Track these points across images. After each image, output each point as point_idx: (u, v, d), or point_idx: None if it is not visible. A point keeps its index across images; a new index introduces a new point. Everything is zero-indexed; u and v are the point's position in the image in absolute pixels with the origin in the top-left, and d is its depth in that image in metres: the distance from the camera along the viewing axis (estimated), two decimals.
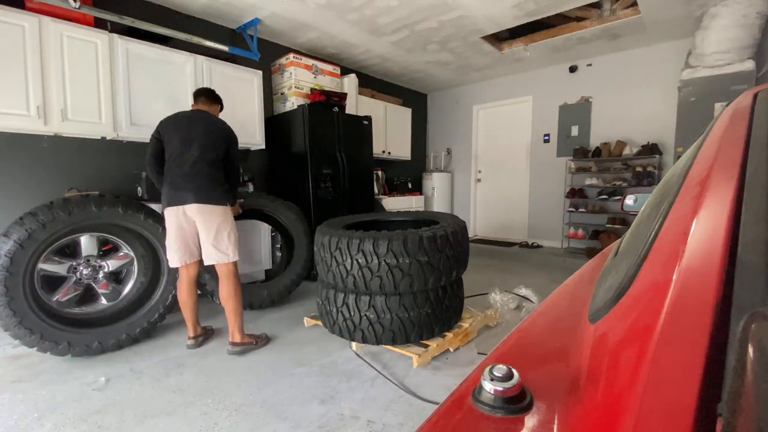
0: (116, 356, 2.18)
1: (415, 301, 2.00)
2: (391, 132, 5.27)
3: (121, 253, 2.43)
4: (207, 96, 2.36)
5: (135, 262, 2.46)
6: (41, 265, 2.11)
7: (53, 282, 2.23)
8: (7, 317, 1.92)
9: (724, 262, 0.37)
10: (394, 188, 5.68)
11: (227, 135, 2.25)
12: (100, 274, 2.34)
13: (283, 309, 2.98)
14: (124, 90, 2.81)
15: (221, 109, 2.46)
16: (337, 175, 3.87)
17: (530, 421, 0.38)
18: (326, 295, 2.18)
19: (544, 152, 5.32)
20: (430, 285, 1.99)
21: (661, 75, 4.35)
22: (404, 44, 4.31)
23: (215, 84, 3.29)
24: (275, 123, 3.94)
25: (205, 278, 2.66)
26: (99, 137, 2.83)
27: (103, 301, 2.37)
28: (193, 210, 2.07)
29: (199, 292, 2.38)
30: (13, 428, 1.55)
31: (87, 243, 2.29)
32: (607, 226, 4.54)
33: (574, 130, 5.03)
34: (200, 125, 2.18)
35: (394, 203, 5.03)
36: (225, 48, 3.54)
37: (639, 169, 4.34)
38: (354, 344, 2.16)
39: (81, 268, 2.27)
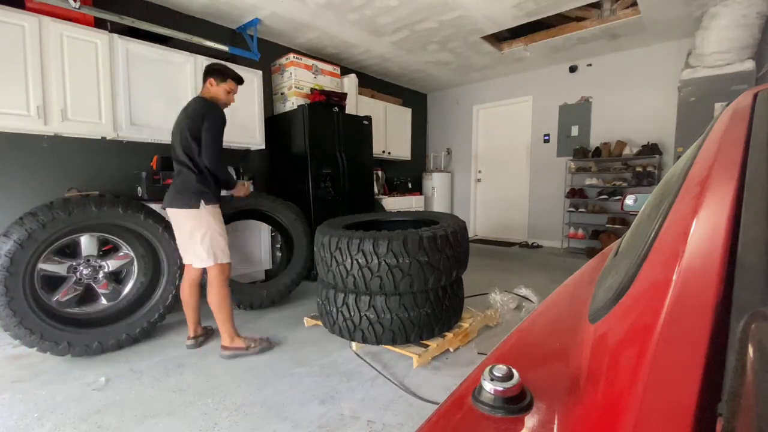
0: (116, 356, 2.18)
1: (415, 301, 2.00)
2: (391, 132, 5.27)
3: (121, 253, 2.43)
4: (204, 76, 2.18)
5: (135, 262, 2.46)
6: (41, 265, 2.11)
7: (53, 282, 2.23)
8: (7, 317, 1.92)
9: (724, 262, 0.37)
10: (394, 188, 5.68)
11: (198, 114, 2.03)
12: (100, 274, 2.34)
13: (283, 309, 2.98)
14: (124, 90, 2.81)
15: (219, 81, 2.16)
16: (337, 175, 3.87)
17: (530, 421, 0.38)
18: (326, 295, 2.18)
19: (544, 152, 5.32)
20: (430, 285, 1.99)
21: (661, 75, 4.35)
22: (404, 44, 4.31)
23: None
24: (275, 123, 3.94)
25: (205, 278, 2.65)
26: (99, 137, 2.83)
27: (103, 301, 2.37)
28: (169, 214, 2.11)
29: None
30: (13, 428, 1.55)
31: (87, 243, 2.29)
32: (607, 226, 4.54)
33: (574, 130, 5.03)
34: (179, 121, 2.12)
35: (394, 203, 5.03)
36: (225, 48, 3.54)
37: (639, 169, 4.34)
38: (354, 344, 2.16)
39: (81, 268, 2.27)
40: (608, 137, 4.72)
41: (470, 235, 6.23)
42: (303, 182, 3.67)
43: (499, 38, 4.45)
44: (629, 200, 1.59)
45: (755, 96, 0.72)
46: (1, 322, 1.94)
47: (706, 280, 0.36)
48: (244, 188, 2.32)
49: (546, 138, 5.30)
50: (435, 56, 4.74)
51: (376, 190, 4.89)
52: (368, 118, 4.23)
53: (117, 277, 2.47)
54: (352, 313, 2.03)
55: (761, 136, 0.57)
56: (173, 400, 1.74)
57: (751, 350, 0.24)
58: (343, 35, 4.06)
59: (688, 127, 3.63)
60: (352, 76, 4.47)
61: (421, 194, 5.75)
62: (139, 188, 3.01)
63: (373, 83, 5.36)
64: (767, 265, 0.34)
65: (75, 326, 2.14)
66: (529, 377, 0.43)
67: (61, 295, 2.20)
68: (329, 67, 4.23)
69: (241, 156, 3.88)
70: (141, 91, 2.90)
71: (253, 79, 3.59)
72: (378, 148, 4.94)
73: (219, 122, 2.08)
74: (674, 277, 0.39)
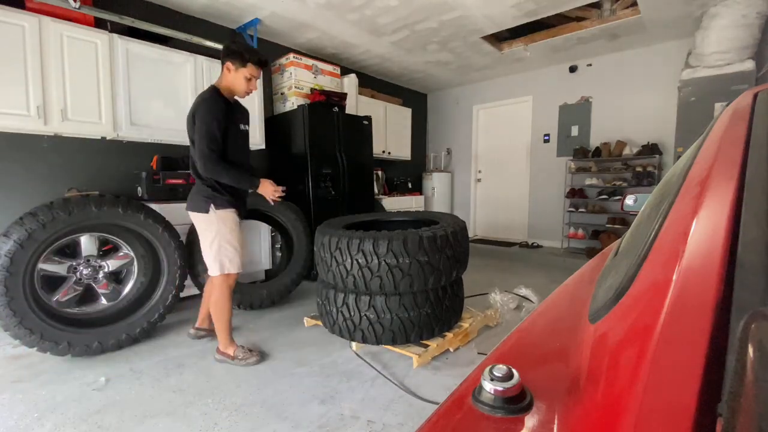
0: (116, 356, 2.18)
1: (415, 301, 2.00)
2: (391, 132, 5.27)
3: (121, 253, 2.43)
4: (222, 60, 1.94)
5: (135, 262, 2.46)
6: (41, 265, 2.11)
7: (53, 282, 2.23)
8: (7, 317, 1.92)
9: (724, 262, 0.37)
10: (394, 188, 5.68)
11: (192, 110, 1.88)
12: (100, 274, 2.34)
13: (283, 309, 2.98)
14: (124, 90, 2.81)
15: (238, 65, 1.91)
16: (337, 175, 3.87)
17: (530, 421, 0.38)
18: (326, 295, 2.18)
19: (544, 152, 5.32)
20: (431, 285, 1.99)
21: (661, 75, 4.35)
22: (404, 44, 4.31)
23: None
24: (275, 123, 3.94)
25: (205, 278, 2.66)
26: (99, 137, 2.83)
27: (103, 301, 2.37)
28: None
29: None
30: (13, 428, 1.55)
31: (87, 243, 2.29)
32: (607, 226, 4.54)
33: (574, 130, 5.03)
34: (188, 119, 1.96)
35: (394, 203, 5.03)
36: None
37: (639, 169, 4.34)
38: (354, 344, 2.16)
39: (81, 268, 2.27)
40: (608, 137, 4.72)
41: (470, 235, 6.23)
42: (303, 182, 3.67)
43: (499, 38, 4.45)
44: (629, 200, 1.59)
45: (755, 96, 0.72)
46: (1, 322, 1.94)
47: (706, 280, 0.36)
48: (269, 188, 2.01)
49: (546, 138, 5.30)
50: (435, 56, 4.74)
51: (376, 190, 4.89)
52: (368, 118, 4.23)
53: (117, 277, 2.47)
54: (352, 313, 2.03)
55: (761, 136, 0.57)
56: (173, 400, 1.74)
57: (751, 350, 0.24)
58: (343, 35, 4.06)
59: (688, 127, 3.63)
60: (352, 76, 4.47)
61: (421, 194, 5.76)
62: (139, 188, 3.01)
63: (373, 83, 5.37)
64: (767, 265, 0.34)
65: (75, 326, 2.14)
66: (529, 377, 0.43)
67: (61, 295, 2.20)
68: (329, 67, 4.23)
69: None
70: (141, 91, 2.90)
71: None
72: (378, 148, 4.94)
73: (209, 114, 1.81)
74: (674, 277, 0.39)
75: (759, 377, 0.23)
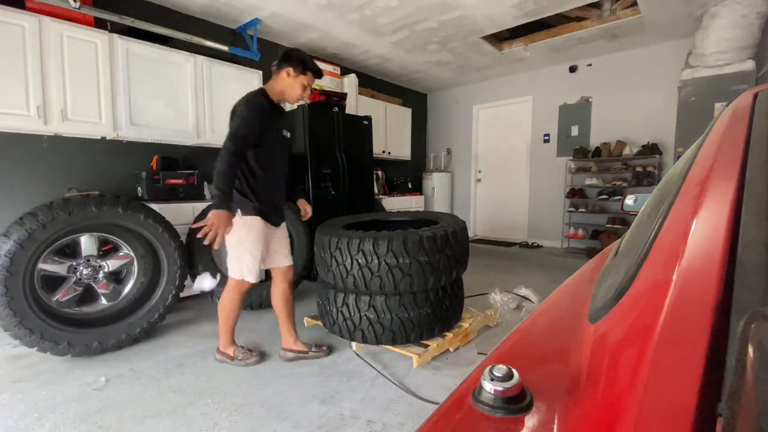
0: (116, 356, 2.18)
1: (415, 300, 2.00)
2: (391, 132, 5.27)
3: (121, 253, 2.43)
4: (279, 63, 1.90)
5: (135, 262, 2.46)
6: (41, 265, 2.11)
7: (53, 282, 2.23)
8: (7, 317, 1.92)
9: (724, 262, 0.37)
10: (394, 188, 5.68)
11: (235, 107, 1.83)
12: (100, 274, 2.34)
13: None
14: (124, 90, 2.81)
15: (298, 72, 1.88)
16: (337, 175, 3.87)
17: (530, 421, 0.38)
18: (326, 295, 2.18)
19: (544, 152, 5.32)
20: (430, 285, 1.99)
21: (661, 75, 4.35)
22: (404, 44, 4.31)
23: (215, 84, 3.30)
24: None
25: (199, 270, 2.67)
26: (99, 137, 2.83)
27: (103, 301, 2.37)
28: None
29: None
30: (13, 428, 1.55)
31: (87, 243, 2.29)
32: (607, 226, 4.54)
33: (574, 130, 5.03)
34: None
35: (394, 203, 5.03)
36: (225, 48, 3.54)
37: (639, 169, 4.34)
38: (354, 344, 2.16)
39: (81, 268, 2.27)
40: (608, 137, 4.72)
41: (470, 235, 6.23)
42: (303, 182, 3.67)
43: (499, 38, 4.45)
44: (629, 200, 1.59)
45: (755, 96, 0.72)
46: (1, 322, 1.94)
47: (706, 280, 0.36)
48: (217, 222, 1.68)
49: (546, 138, 5.30)
50: (435, 56, 4.74)
51: (376, 190, 4.89)
52: (368, 118, 4.23)
53: (117, 277, 2.47)
54: (352, 313, 2.03)
55: (761, 136, 0.57)
56: (173, 400, 1.74)
57: (751, 350, 0.24)
58: (343, 35, 4.06)
59: (688, 127, 3.63)
60: (352, 76, 4.47)
61: (421, 194, 5.76)
62: (139, 188, 3.02)
63: (373, 83, 5.37)
64: (767, 265, 0.34)
65: (75, 326, 2.14)
66: (529, 377, 0.43)
67: (61, 295, 2.20)
68: (329, 67, 4.23)
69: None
70: (141, 91, 2.90)
71: (253, 79, 3.59)
72: (378, 148, 4.94)
73: (247, 109, 1.76)
74: (674, 277, 0.39)
75: (759, 377, 0.23)
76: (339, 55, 4.66)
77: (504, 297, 2.79)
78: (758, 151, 0.54)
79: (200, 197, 3.19)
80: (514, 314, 2.71)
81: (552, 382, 0.45)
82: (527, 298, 2.90)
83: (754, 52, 3.39)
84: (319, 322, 2.40)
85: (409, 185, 5.91)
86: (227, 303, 2.00)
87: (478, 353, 2.17)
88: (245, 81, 3.54)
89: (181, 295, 2.56)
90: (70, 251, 2.31)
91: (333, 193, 3.83)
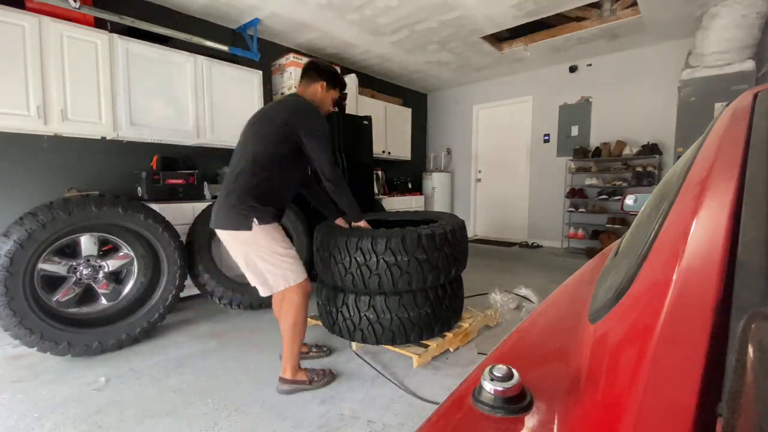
0: (116, 356, 2.18)
1: (415, 300, 2.00)
2: (391, 132, 5.27)
3: (121, 253, 2.43)
4: (305, 73, 1.85)
5: (135, 262, 2.46)
6: (41, 265, 2.11)
7: (53, 282, 2.23)
8: (7, 317, 1.92)
9: (724, 262, 0.37)
10: (394, 188, 5.68)
11: (291, 113, 1.69)
12: (100, 274, 2.34)
13: None
14: (124, 90, 2.81)
15: (329, 87, 1.87)
16: None
17: (530, 421, 0.38)
18: (326, 295, 2.18)
19: (544, 152, 5.32)
20: (429, 283, 1.99)
21: (661, 75, 4.35)
22: (404, 44, 4.31)
23: (215, 84, 3.30)
24: None
25: (205, 278, 2.66)
26: (99, 137, 2.83)
27: (103, 301, 2.37)
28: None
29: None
30: (13, 428, 1.55)
31: (87, 243, 2.29)
32: (607, 226, 4.54)
33: (574, 130, 5.03)
34: (260, 115, 1.78)
35: (394, 203, 5.03)
36: (225, 48, 3.54)
37: (639, 169, 4.34)
38: (354, 344, 2.16)
39: (81, 268, 2.27)
40: (608, 137, 4.72)
41: (470, 235, 6.23)
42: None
43: (499, 38, 4.45)
44: (629, 200, 1.59)
45: (755, 96, 0.72)
46: (1, 322, 1.94)
47: (706, 280, 0.36)
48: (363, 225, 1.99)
49: (546, 138, 5.30)
50: (435, 56, 4.74)
51: (376, 190, 4.89)
52: (368, 118, 4.23)
53: (117, 277, 2.47)
54: (352, 313, 2.03)
55: (761, 136, 0.57)
56: (173, 400, 1.74)
57: (751, 350, 0.24)
58: (343, 35, 4.06)
59: (688, 127, 3.63)
60: (352, 76, 4.47)
61: (421, 194, 5.76)
62: (139, 188, 3.02)
63: (373, 83, 5.37)
64: (767, 265, 0.34)
65: (75, 326, 2.14)
66: (529, 377, 0.43)
67: (61, 295, 2.20)
68: None
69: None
70: (141, 91, 2.90)
71: (253, 79, 3.59)
72: (378, 148, 4.94)
73: (325, 126, 1.76)
74: (674, 277, 0.39)
75: (759, 377, 0.23)
76: (339, 55, 4.66)
77: (504, 297, 2.79)
78: (758, 151, 0.54)
79: (200, 197, 3.19)
80: (514, 314, 2.71)
81: (552, 382, 0.45)
82: (527, 298, 2.90)
83: (754, 52, 3.39)
84: (319, 322, 2.40)
85: (409, 185, 5.91)
86: (296, 315, 1.75)
87: (478, 353, 2.17)
88: (245, 81, 3.54)
89: (181, 295, 2.56)
90: (70, 251, 2.32)
91: None
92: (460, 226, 2.20)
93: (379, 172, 5.24)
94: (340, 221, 2.20)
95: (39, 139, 2.73)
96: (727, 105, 0.79)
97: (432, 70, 5.27)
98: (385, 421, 1.58)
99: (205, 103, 3.25)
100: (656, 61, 4.39)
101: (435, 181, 5.95)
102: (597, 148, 4.65)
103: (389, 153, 5.28)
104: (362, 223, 1.99)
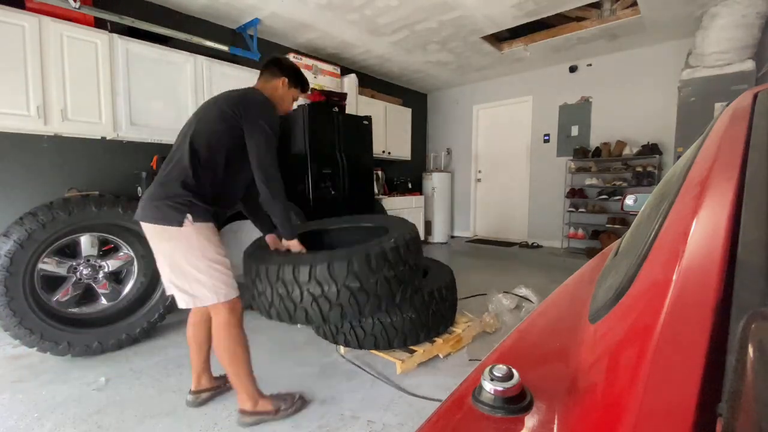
0: (116, 356, 2.18)
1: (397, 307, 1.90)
2: (391, 132, 5.27)
3: (121, 253, 2.43)
4: (266, 68, 1.69)
5: (135, 262, 2.46)
6: (41, 265, 2.11)
7: (53, 282, 2.23)
8: (7, 317, 1.92)
9: (724, 262, 0.37)
10: (394, 188, 5.68)
11: (240, 101, 1.51)
12: (100, 274, 2.34)
13: None
14: (124, 90, 2.81)
15: (291, 84, 1.71)
16: (337, 175, 3.87)
17: (530, 421, 0.38)
18: None
19: (544, 152, 5.32)
20: (367, 313, 1.67)
21: (661, 75, 4.35)
22: (404, 44, 4.31)
23: (215, 84, 3.30)
24: None
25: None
26: (99, 137, 2.83)
27: (103, 301, 2.37)
28: (144, 230, 1.48)
29: None
30: (13, 428, 1.55)
31: (87, 243, 2.29)
32: (607, 226, 4.54)
33: (574, 130, 5.03)
34: (209, 104, 1.57)
35: (394, 203, 5.03)
36: (225, 48, 3.54)
37: (639, 169, 4.34)
38: (342, 348, 2.15)
39: (81, 268, 2.27)
40: (608, 137, 4.72)
41: (470, 235, 6.24)
42: (303, 182, 3.67)
43: (499, 38, 4.45)
44: (629, 200, 1.59)
45: (755, 96, 0.72)
46: (1, 322, 1.94)
47: (706, 280, 0.36)
48: (297, 247, 1.69)
49: (546, 138, 5.30)
50: (435, 56, 4.74)
51: (376, 190, 4.89)
52: (368, 118, 4.23)
53: (117, 277, 2.47)
54: None
55: (761, 136, 0.57)
56: (173, 400, 1.74)
57: (751, 350, 0.24)
58: (343, 35, 4.06)
59: (688, 127, 3.63)
60: (352, 76, 4.47)
61: (421, 194, 5.75)
62: (139, 188, 3.01)
63: (373, 83, 5.37)
64: (767, 265, 0.34)
65: (75, 326, 2.14)
66: (529, 377, 0.43)
67: (61, 295, 2.20)
68: (329, 67, 4.23)
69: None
70: (141, 91, 2.90)
71: (253, 79, 3.58)
72: (378, 148, 4.94)
73: (276, 123, 1.57)
74: (674, 277, 0.39)
75: (759, 377, 0.23)
76: (339, 55, 4.66)
77: (503, 299, 2.78)
78: (758, 151, 0.54)
79: None
80: (514, 314, 2.71)
81: (552, 382, 0.45)
82: (527, 299, 2.90)
83: (754, 52, 3.39)
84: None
85: (409, 185, 5.91)
86: (229, 341, 1.50)
87: (470, 360, 2.11)
88: (245, 81, 3.53)
89: None
90: (70, 251, 2.31)
91: (333, 193, 3.83)
92: (411, 238, 1.82)
93: (379, 172, 5.24)
94: (270, 239, 1.85)
95: (39, 139, 2.73)
96: (727, 105, 0.79)
97: (432, 70, 5.27)
98: (385, 421, 1.58)
99: None
100: (656, 61, 4.38)
101: (435, 181, 5.95)
102: (597, 148, 4.65)
103: (389, 153, 5.28)
104: (294, 244, 1.67)
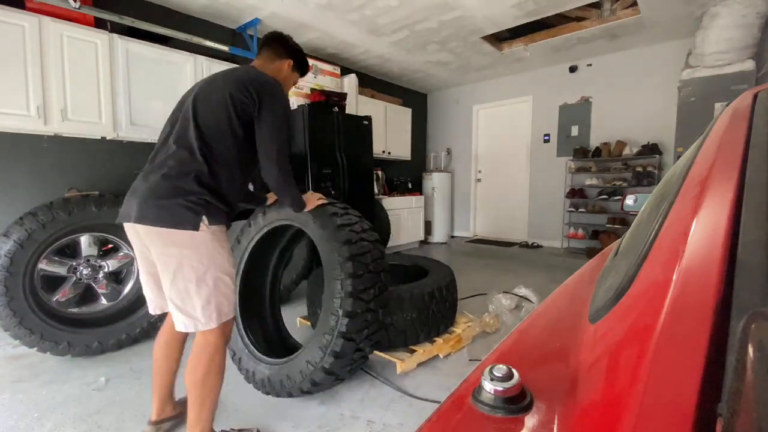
0: (116, 356, 2.18)
1: (400, 306, 1.94)
2: (391, 132, 5.27)
3: (121, 253, 2.43)
4: (268, 45, 1.52)
5: (135, 262, 2.46)
6: (41, 265, 2.11)
7: (53, 282, 2.23)
8: (7, 317, 1.92)
9: (724, 262, 0.37)
10: (394, 188, 5.68)
11: (254, 80, 1.33)
12: (100, 274, 2.34)
13: (283, 309, 2.97)
14: (124, 90, 2.81)
15: (295, 68, 1.57)
16: (337, 175, 3.87)
17: (530, 421, 0.38)
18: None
19: (544, 152, 5.32)
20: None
21: (661, 75, 4.35)
22: (404, 44, 4.31)
23: None
24: None
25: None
26: (99, 137, 2.83)
27: (103, 301, 2.37)
28: (142, 233, 1.25)
29: None
30: (13, 428, 1.55)
31: (87, 243, 2.29)
32: (607, 226, 4.54)
33: (574, 130, 5.03)
34: (210, 87, 1.36)
35: (394, 203, 5.03)
36: (225, 48, 3.54)
37: (639, 169, 4.34)
38: None
39: (81, 268, 2.27)
40: (608, 137, 4.72)
41: (470, 235, 6.24)
42: (303, 182, 3.67)
43: (499, 38, 4.45)
44: (629, 200, 1.59)
45: (755, 96, 0.72)
46: (1, 322, 1.95)
47: (706, 280, 0.36)
48: (314, 201, 1.63)
49: (546, 138, 5.30)
50: (435, 56, 4.74)
51: (376, 190, 4.89)
52: (368, 118, 4.23)
53: (117, 277, 2.47)
54: None
55: (761, 136, 0.57)
56: None
57: (751, 350, 0.24)
58: (343, 35, 4.06)
59: (688, 127, 3.63)
60: (352, 76, 4.47)
61: (421, 194, 5.75)
62: None
63: (373, 83, 5.37)
64: (767, 265, 0.34)
65: (75, 326, 2.14)
66: (529, 377, 0.43)
67: (61, 295, 2.20)
68: (329, 67, 4.23)
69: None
70: (141, 91, 2.90)
71: None
72: (378, 148, 4.94)
73: (288, 108, 1.44)
74: (674, 277, 0.39)
75: (759, 377, 0.23)
76: (339, 55, 4.66)
77: (503, 299, 2.78)
78: (758, 151, 0.54)
79: None
80: (514, 314, 2.71)
81: (552, 382, 0.45)
82: (527, 298, 2.90)
83: (754, 52, 3.39)
84: (309, 323, 2.39)
85: (409, 185, 5.91)
86: (210, 371, 1.29)
87: (470, 360, 2.12)
88: None
89: None
90: (70, 251, 2.31)
91: (333, 193, 3.83)
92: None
93: (379, 172, 5.24)
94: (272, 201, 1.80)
95: (39, 139, 2.73)
96: (727, 105, 0.79)
97: (432, 70, 5.27)
98: (385, 421, 1.58)
99: None
100: (656, 61, 4.38)
101: (435, 181, 5.95)
102: (597, 148, 4.65)
103: (389, 153, 5.28)
104: (312, 202, 1.60)
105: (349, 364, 1.59)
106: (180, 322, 1.26)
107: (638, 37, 4.18)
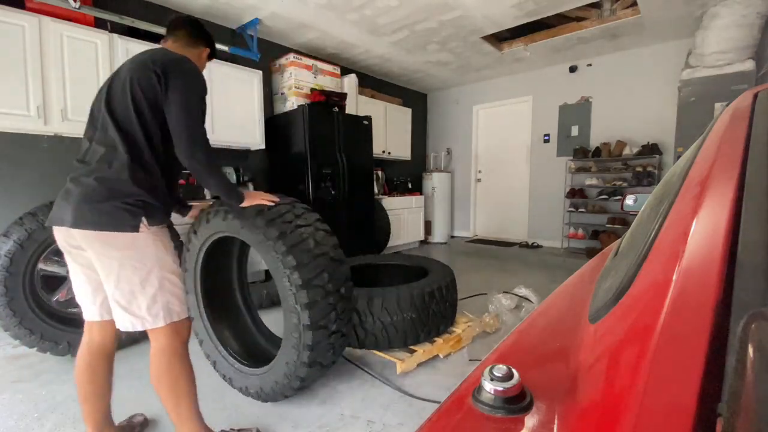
0: (116, 356, 2.16)
1: (399, 305, 1.95)
2: (391, 132, 5.27)
3: None
4: (182, 28, 1.41)
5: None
6: (41, 265, 2.11)
7: (53, 282, 2.22)
8: (7, 317, 1.92)
9: (724, 262, 0.37)
10: (394, 188, 5.68)
11: (169, 68, 1.23)
12: None
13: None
14: None
15: (209, 57, 1.50)
16: (337, 175, 3.87)
17: (530, 421, 0.38)
18: None
19: (544, 152, 5.32)
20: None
21: (661, 75, 4.35)
22: (404, 44, 4.31)
23: (215, 84, 3.30)
24: (275, 123, 3.94)
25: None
26: None
27: None
28: (80, 238, 1.21)
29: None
30: (13, 428, 1.55)
31: None
32: (607, 226, 4.54)
33: (574, 130, 5.03)
34: (114, 77, 1.29)
35: (394, 203, 5.03)
36: (225, 48, 3.54)
37: (639, 169, 4.34)
38: None
39: None
40: (608, 137, 4.72)
41: (470, 235, 6.24)
42: (303, 182, 3.68)
43: (499, 38, 4.45)
44: (629, 200, 1.59)
45: (755, 96, 0.72)
46: (1, 322, 1.95)
47: (706, 280, 0.36)
48: (258, 199, 1.49)
49: (546, 138, 5.30)
50: (435, 56, 4.74)
51: (376, 190, 4.90)
52: (368, 118, 4.24)
53: None
54: None
55: (761, 136, 0.57)
56: None
57: (751, 350, 0.24)
58: (343, 35, 4.06)
59: (688, 127, 3.63)
60: (352, 76, 4.47)
61: (421, 194, 5.76)
62: None
63: (373, 83, 5.37)
64: (767, 265, 0.34)
65: (75, 326, 2.14)
66: (529, 377, 0.43)
67: (61, 295, 2.20)
68: (329, 67, 4.23)
69: (241, 156, 3.88)
70: None
71: (253, 79, 3.59)
72: (378, 148, 4.94)
73: (203, 88, 1.31)
74: (674, 277, 0.39)
75: (759, 377, 0.23)
76: (339, 55, 4.66)
77: (503, 299, 2.78)
78: (758, 151, 0.54)
79: (200, 197, 3.19)
80: (514, 314, 2.71)
81: (552, 382, 0.45)
82: (527, 298, 2.90)
83: (754, 52, 3.39)
84: None
85: (409, 185, 5.91)
86: (172, 371, 1.27)
87: (470, 360, 2.12)
88: (245, 81, 3.54)
89: None
90: None
91: (333, 193, 3.83)
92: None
93: (379, 172, 5.24)
94: (194, 214, 1.64)
95: (39, 139, 2.73)
96: (727, 105, 0.79)
97: (432, 70, 5.27)
98: (385, 421, 1.58)
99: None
100: (656, 61, 4.38)
101: (435, 181, 5.95)
102: (597, 148, 4.65)
103: (389, 153, 5.28)
104: (255, 199, 1.46)
105: (330, 350, 1.55)
106: (127, 321, 1.22)
107: (638, 37, 4.18)
